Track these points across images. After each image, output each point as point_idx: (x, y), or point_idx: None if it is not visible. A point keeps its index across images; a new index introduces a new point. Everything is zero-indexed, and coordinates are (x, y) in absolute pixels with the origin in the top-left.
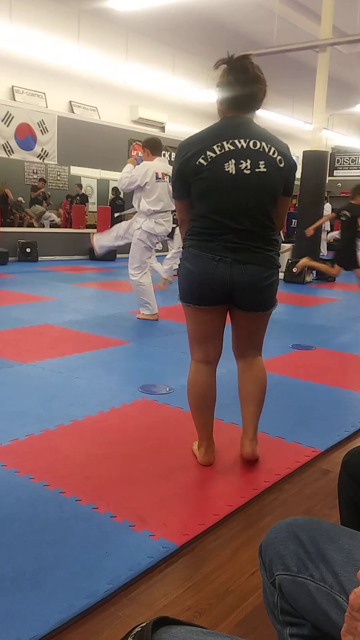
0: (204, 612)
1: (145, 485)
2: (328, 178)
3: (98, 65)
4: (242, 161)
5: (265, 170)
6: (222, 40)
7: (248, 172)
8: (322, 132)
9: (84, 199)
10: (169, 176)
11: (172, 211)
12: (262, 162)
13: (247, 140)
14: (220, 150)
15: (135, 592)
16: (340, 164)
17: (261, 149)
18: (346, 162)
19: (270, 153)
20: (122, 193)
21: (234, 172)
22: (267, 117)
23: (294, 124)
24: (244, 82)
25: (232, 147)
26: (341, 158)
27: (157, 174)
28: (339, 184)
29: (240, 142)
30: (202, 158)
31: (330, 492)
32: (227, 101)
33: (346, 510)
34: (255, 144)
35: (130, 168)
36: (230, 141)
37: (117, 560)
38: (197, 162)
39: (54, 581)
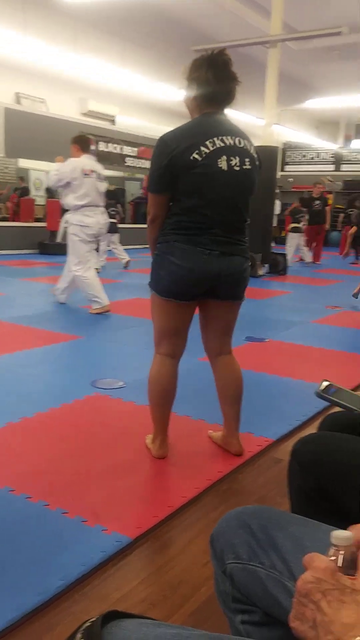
0: (157, 603)
1: (98, 480)
2: (279, 173)
3: (46, 56)
4: (232, 158)
5: (250, 167)
6: (173, 34)
7: (237, 168)
8: (273, 127)
9: (25, 191)
10: (97, 173)
11: (105, 206)
12: (247, 160)
13: (233, 137)
14: (212, 147)
15: (88, 587)
16: (291, 159)
17: (244, 147)
18: (297, 157)
19: (251, 151)
20: None
21: (226, 168)
22: None
23: (246, 119)
24: (224, 78)
25: (222, 144)
26: (292, 153)
27: (84, 170)
28: (290, 179)
29: (228, 139)
30: (197, 153)
31: (282, 481)
32: (206, 97)
33: (296, 498)
34: (239, 142)
35: (59, 166)
36: (220, 138)
37: (70, 557)
38: (191, 157)
39: (5, 579)
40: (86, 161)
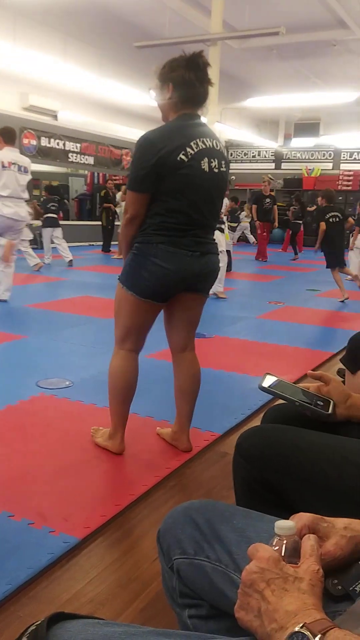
0: (106, 602)
1: (45, 482)
2: None
3: None
4: (212, 160)
5: (225, 169)
6: (115, 29)
7: (217, 170)
8: (215, 125)
9: None
10: (18, 165)
11: (46, 201)
12: (223, 162)
13: (210, 139)
14: (196, 148)
15: (35, 590)
16: (234, 157)
17: (220, 149)
18: (239, 156)
19: (224, 154)
20: None
21: (207, 170)
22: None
23: None
24: (202, 80)
25: (203, 146)
26: (234, 151)
27: (4, 162)
28: (233, 177)
29: (207, 142)
30: (183, 154)
31: (228, 474)
32: (187, 98)
33: (241, 491)
34: (216, 144)
35: None
36: (201, 139)
37: (16, 560)
38: (178, 158)
39: None
40: (8, 154)
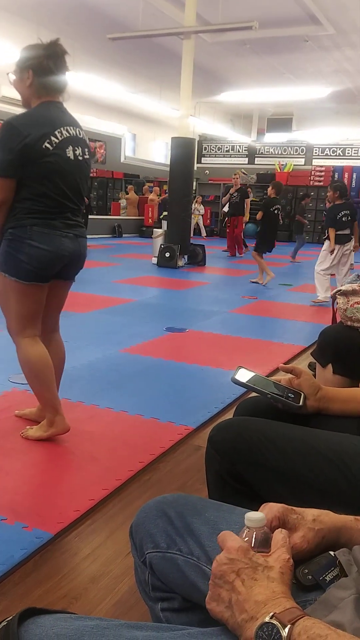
0: (80, 597)
1: (17, 477)
2: (196, 165)
3: None
4: (76, 148)
5: (88, 157)
6: (88, 21)
7: (81, 158)
8: (189, 119)
9: None
10: None
11: None
12: (86, 150)
13: (74, 128)
14: (60, 136)
15: (8, 586)
16: (208, 151)
17: (83, 137)
18: (213, 150)
19: (87, 142)
20: None
21: (72, 158)
22: (135, 103)
23: (162, 110)
24: (62, 68)
25: (67, 134)
26: (208, 146)
27: None
28: (207, 171)
29: (71, 130)
30: (48, 142)
31: (201, 468)
32: (48, 85)
33: (213, 484)
34: (79, 133)
35: None
36: (65, 128)
37: None
38: (43, 146)
39: None
40: None
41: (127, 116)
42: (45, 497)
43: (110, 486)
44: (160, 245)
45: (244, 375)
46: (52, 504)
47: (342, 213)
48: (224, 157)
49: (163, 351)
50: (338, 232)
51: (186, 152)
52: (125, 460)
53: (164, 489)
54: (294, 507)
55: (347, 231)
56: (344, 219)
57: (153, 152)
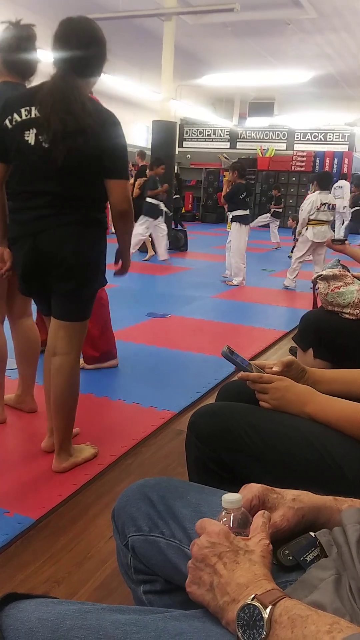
0: (62, 581)
1: None
2: (177, 149)
3: None
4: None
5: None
6: (67, 1)
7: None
8: (170, 102)
9: None
10: None
11: None
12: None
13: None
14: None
15: None
16: (189, 135)
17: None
18: (194, 134)
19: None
20: None
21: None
22: (114, 85)
23: (143, 93)
24: (27, 49)
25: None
26: (189, 130)
27: None
28: (188, 155)
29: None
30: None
31: (183, 452)
32: (16, 66)
33: (194, 469)
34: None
35: None
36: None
37: None
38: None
39: None
40: None
41: (107, 99)
42: (26, 482)
43: (93, 471)
44: None
45: (232, 354)
46: (33, 489)
47: (244, 194)
48: (205, 141)
49: (145, 336)
50: (241, 213)
51: (167, 135)
52: (107, 445)
53: (146, 473)
54: (274, 487)
55: (247, 212)
56: (246, 199)
57: (134, 135)
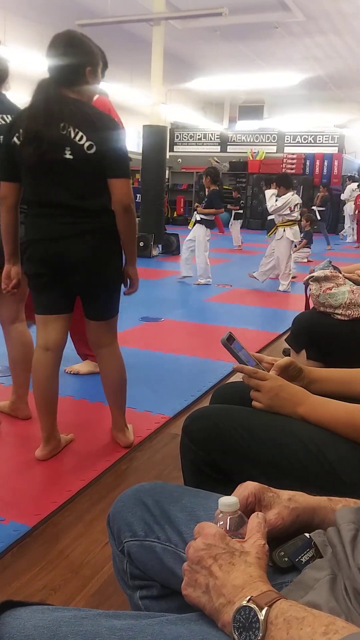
0: (58, 588)
1: None
2: (168, 153)
3: None
4: None
5: None
6: (56, 7)
7: None
8: (160, 106)
9: None
10: None
11: None
12: None
13: (7, 116)
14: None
15: None
16: (180, 139)
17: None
18: (185, 138)
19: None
20: None
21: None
22: (105, 89)
23: (133, 97)
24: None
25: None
26: (180, 134)
27: None
28: (179, 160)
29: (7, 119)
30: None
31: (178, 455)
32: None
33: (189, 473)
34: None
35: None
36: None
37: None
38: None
39: None
40: None
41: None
42: (22, 489)
43: (88, 477)
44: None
45: (232, 339)
46: (29, 496)
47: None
48: (196, 145)
49: (138, 341)
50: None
51: (158, 140)
52: (102, 450)
53: (142, 478)
54: (269, 487)
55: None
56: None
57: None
